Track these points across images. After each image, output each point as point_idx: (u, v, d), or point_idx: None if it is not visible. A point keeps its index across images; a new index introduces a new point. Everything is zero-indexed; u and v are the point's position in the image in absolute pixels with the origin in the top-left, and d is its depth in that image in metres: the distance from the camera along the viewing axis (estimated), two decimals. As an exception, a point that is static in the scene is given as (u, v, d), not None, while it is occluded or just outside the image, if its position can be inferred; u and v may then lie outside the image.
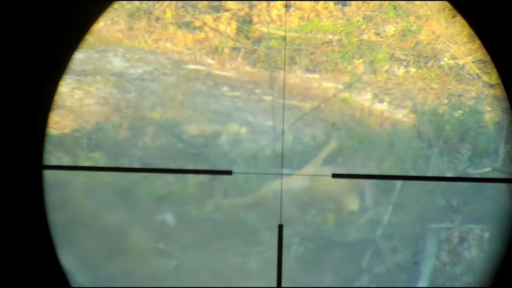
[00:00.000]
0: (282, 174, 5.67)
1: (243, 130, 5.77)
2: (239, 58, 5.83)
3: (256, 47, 5.85)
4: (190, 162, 5.73)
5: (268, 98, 5.78)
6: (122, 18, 5.77)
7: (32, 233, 5.46)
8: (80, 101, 5.74)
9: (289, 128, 5.76)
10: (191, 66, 5.78)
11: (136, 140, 5.73)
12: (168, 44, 5.78)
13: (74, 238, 5.64)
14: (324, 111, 5.81)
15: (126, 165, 5.70)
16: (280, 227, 5.66)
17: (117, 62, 5.76)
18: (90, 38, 5.69)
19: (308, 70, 5.84)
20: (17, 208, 5.42)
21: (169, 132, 5.73)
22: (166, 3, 5.83)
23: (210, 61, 5.81)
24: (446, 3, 5.66)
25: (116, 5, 5.73)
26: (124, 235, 5.71)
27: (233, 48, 5.84)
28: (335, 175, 5.68)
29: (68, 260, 5.54)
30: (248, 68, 5.82)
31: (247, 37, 5.86)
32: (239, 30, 5.87)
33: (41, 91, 5.46)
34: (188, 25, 5.83)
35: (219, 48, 5.84)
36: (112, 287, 5.63)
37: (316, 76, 5.84)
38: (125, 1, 5.79)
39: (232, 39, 5.85)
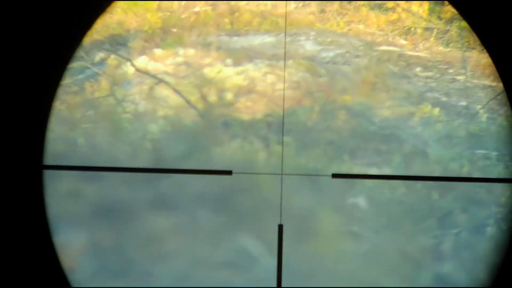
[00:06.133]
0: (282, 174, 5.62)
1: (436, 110, 5.70)
2: (432, 38, 5.74)
3: (448, 27, 5.75)
4: (382, 143, 5.70)
5: (461, 77, 5.70)
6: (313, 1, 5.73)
7: (32, 233, 5.47)
8: (272, 85, 5.72)
9: (483, 108, 5.67)
10: (384, 48, 5.71)
11: (328, 124, 5.71)
12: (361, 26, 5.71)
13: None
14: (518, 91, 5.70)
15: (315, 151, 5.68)
16: (280, 227, 5.63)
17: (309, 46, 5.72)
18: (279, 21, 5.67)
19: (502, 50, 5.72)
20: (17, 208, 5.44)
21: (361, 115, 5.69)
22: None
23: (403, 41, 5.73)
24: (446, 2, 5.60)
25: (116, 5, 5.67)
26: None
27: (426, 29, 5.76)
28: (335, 175, 5.63)
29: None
30: (441, 48, 5.73)
31: (439, 18, 5.77)
32: (431, 11, 5.78)
33: (42, 92, 5.46)
34: (380, 7, 5.75)
35: (412, 29, 5.76)
36: (112, 287, 5.64)
37: (510, 55, 5.72)
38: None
39: (425, 20, 5.76)
